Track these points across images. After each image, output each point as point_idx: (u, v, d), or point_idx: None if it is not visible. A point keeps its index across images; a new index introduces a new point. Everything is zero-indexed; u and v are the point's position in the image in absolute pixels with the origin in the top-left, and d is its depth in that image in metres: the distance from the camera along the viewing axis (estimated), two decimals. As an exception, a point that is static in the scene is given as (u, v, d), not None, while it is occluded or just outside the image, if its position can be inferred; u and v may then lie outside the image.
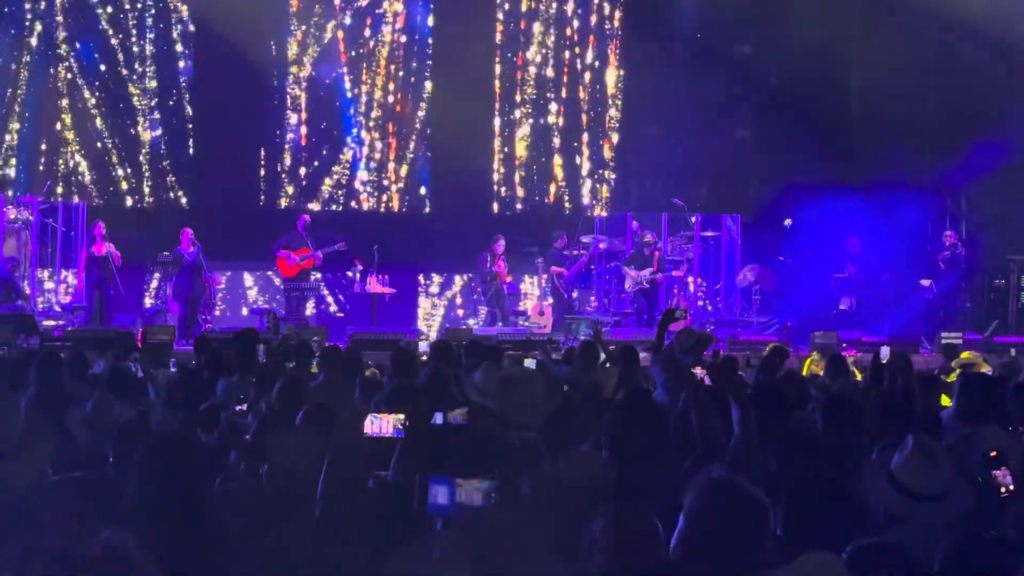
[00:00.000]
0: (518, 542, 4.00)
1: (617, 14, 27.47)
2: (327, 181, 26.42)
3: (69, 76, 25.21)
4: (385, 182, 26.70)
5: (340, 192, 26.52)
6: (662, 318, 11.33)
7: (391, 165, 26.70)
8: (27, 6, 25.03)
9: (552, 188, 27.37)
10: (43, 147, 25.13)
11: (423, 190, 26.84)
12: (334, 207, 26.42)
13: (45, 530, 4.30)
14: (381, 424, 6.85)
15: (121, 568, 3.33)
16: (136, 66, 25.52)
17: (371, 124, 26.59)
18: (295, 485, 6.20)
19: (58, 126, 25.15)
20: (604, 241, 24.90)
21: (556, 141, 27.34)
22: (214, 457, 7.75)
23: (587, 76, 27.40)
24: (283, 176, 26.29)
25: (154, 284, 24.58)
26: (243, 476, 7.19)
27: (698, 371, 9.93)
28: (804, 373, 14.46)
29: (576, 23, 27.41)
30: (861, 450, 7.33)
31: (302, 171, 26.33)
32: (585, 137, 27.44)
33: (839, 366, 12.30)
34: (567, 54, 27.39)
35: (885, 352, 12.07)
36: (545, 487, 5.56)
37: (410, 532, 5.15)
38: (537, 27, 27.22)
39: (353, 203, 26.59)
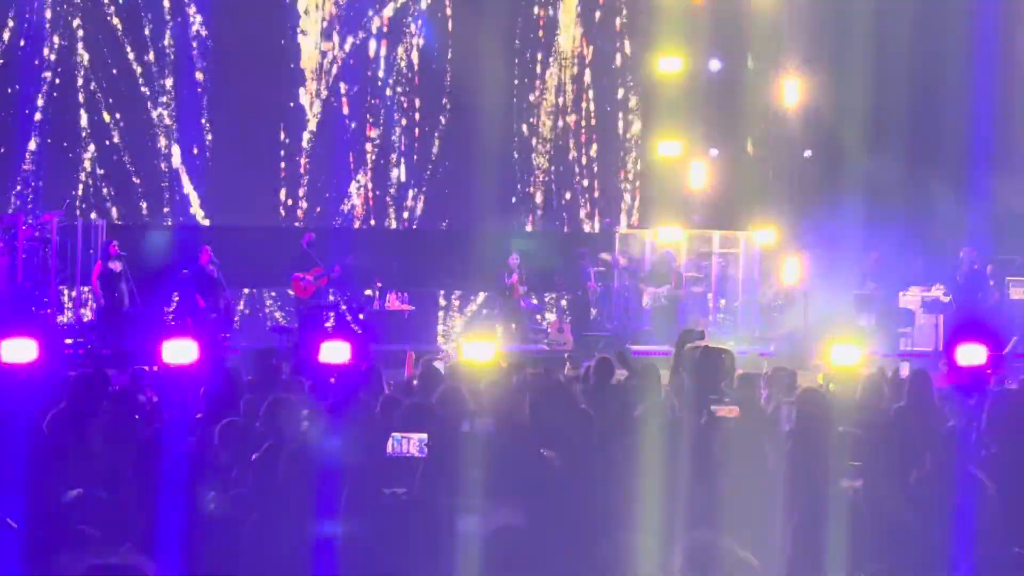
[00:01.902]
0: (542, 562, 3.99)
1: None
2: (346, 199, 26.46)
3: (88, 94, 25.31)
4: (404, 200, 26.72)
5: (359, 210, 26.56)
6: (679, 339, 11.27)
7: (410, 183, 26.74)
8: (47, 25, 25.15)
9: (571, 206, 27.39)
10: (62, 165, 25.23)
11: (441, 207, 26.86)
12: (353, 225, 26.46)
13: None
14: (403, 444, 6.80)
15: None
16: (155, 83, 25.62)
17: (390, 140, 26.64)
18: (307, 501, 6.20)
19: (77, 144, 25.26)
20: (624, 257, 24.89)
21: (573, 156, 27.36)
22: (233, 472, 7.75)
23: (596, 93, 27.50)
24: (301, 194, 26.35)
25: (173, 302, 24.62)
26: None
27: (725, 410, 9.78)
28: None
29: (593, 44, 27.49)
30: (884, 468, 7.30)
31: (320, 189, 26.40)
32: (600, 154, 27.50)
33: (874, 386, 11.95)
34: (587, 72, 27.47)
35: (905, 368, 12.01)
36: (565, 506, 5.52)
37: (431, 548, 5.14)
38: (560, 27, 27.32)
39: (372, 221, 26.63)
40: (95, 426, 8.30)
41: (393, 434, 6.89)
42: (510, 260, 23.51)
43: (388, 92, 26.67)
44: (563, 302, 25.06)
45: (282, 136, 26.25)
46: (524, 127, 27.30)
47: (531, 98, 27.33)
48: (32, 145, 25.07)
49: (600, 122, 27.57)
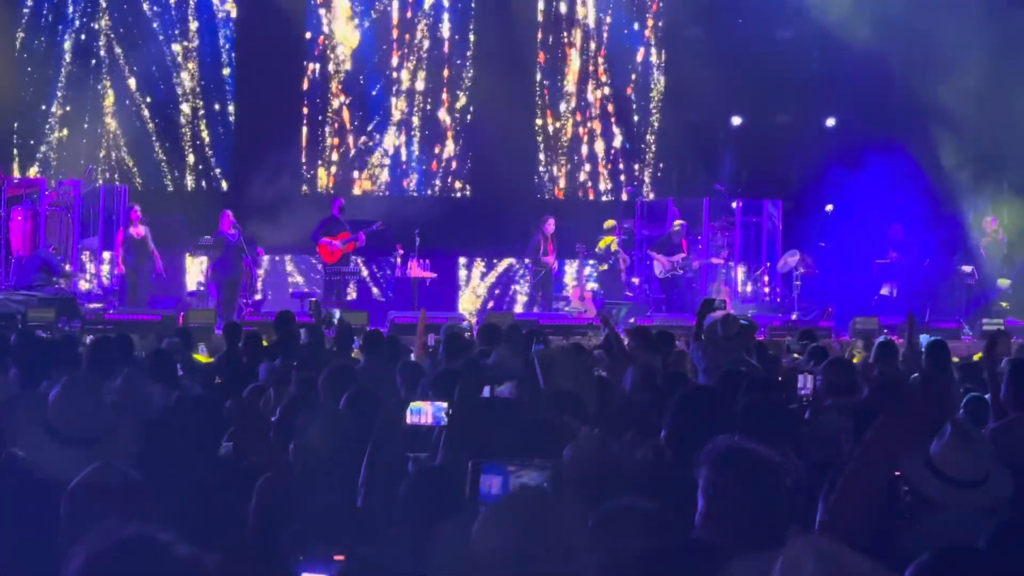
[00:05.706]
0: (558, 524, 3.97)
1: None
2: (368, 165, 26.50)
3: (110, 59, 25.35)
4: (425, 166, 26.72)
5: (381, 176, 26.60)
6: (701, 307, 11.29)
7: (431, 149, 26.72)
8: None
9: (592, 173, 27.37)
10: (85, 130, 25.27)
11: (463, 174, 26.85)
12: (375, 191, 26.49)
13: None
14: (421, 414, 6.76)
15: (156, 560, 3.28)
16: (178, 48, 25.64)
17: (412, 107, 26.62)
18: (323, 466, 6.18)
19: (100, 109, 25.32)
20: (643, 227, 24.93)
21: (597, 125, 27.30)
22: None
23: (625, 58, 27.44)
24: (324, 160, 26.38)
25: (196, 267, 24.67)
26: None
27: None
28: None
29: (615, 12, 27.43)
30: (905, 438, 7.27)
31: (343, 155, 26.42)
32: (621, 121, 27.46)
33: (888, 353, 11.90)
34: (607, 38, 27.39)
35: (924, 339, 11.98)
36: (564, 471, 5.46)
37: (453, 515, 5.09)
38: (580, 10, 27.25)
39: (394, 187, 26.65)
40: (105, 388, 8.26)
41: (411, 404, 6.84)
42: (545, 227, 23.22)
43: (412, 61, 26.61)
44: (586, 270, 25.05)
45: (307, 102, 26.28)
46: (547, 93, 27.23)
47: (555, 66, 27.25)
48: (56, 109, 25.14)
49: (622, 89, 27.45)
